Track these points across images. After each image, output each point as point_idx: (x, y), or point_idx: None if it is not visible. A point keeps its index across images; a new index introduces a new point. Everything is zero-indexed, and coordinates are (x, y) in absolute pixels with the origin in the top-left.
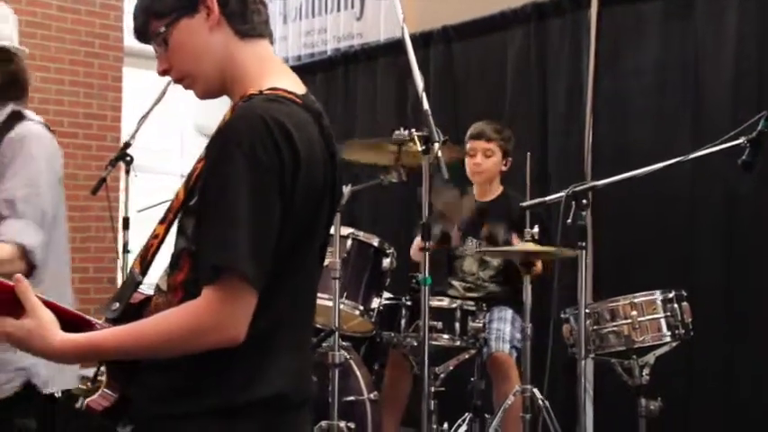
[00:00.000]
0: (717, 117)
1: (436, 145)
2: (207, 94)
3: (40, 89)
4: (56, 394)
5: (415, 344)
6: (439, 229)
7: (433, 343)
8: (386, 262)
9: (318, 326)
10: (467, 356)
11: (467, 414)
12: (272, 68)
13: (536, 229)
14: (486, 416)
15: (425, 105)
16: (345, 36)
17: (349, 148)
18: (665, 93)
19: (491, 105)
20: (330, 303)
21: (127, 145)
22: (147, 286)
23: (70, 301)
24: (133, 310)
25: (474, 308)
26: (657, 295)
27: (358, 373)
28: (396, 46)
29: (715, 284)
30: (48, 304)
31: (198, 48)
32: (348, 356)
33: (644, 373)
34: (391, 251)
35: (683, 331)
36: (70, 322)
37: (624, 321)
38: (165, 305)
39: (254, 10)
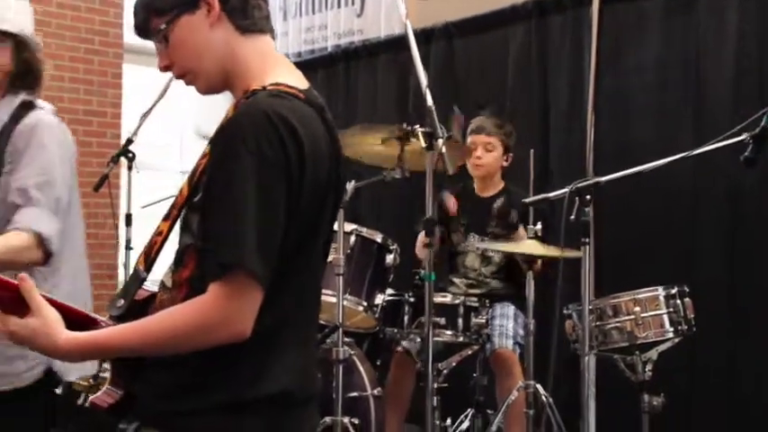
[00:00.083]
0: (718, 114)
1: (440, 141)
2: (209, 90)
3: None
4: (72, 382)
5: (418, 340)
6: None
7: (436, 339)
8: (389, 258)
9: (322, 322)
10: (470, 352)
11: (470, 410)
12: (274, 64)
13: (539, 226)
14: (489, 412)
15: (429, 101)
16: (346, 33)
17: (351, 135)
18: (666, 89)
19: (492, 102)
20: (334, 299)
21: (129, 141)
22: (152, 283)
23: (87, 292)
24: (138, 307)
25: (477, 304)
26: (660, 291)
27: (361, 368)
28: (396, 42)
29: (718, 280)
30: (52, 303)
31: (199, 44)
32: (352, 352)
33: (647, 369)
34: (394, 247)
35: (686, 327)
36: (75, 320)
37: (627, 317)
38: (169, 302)
39: (255, 5)
